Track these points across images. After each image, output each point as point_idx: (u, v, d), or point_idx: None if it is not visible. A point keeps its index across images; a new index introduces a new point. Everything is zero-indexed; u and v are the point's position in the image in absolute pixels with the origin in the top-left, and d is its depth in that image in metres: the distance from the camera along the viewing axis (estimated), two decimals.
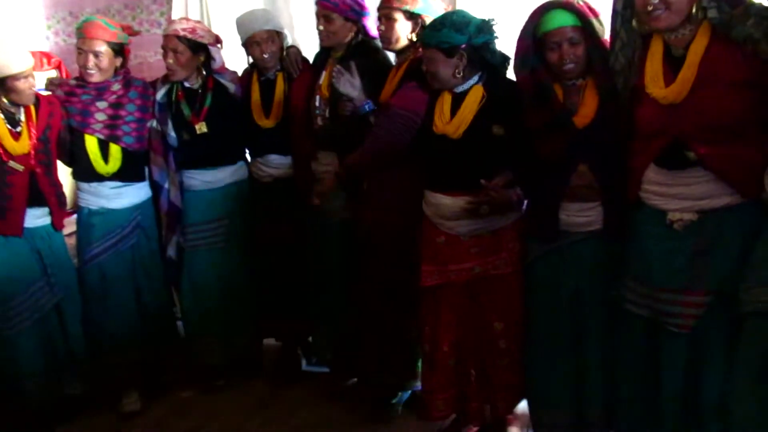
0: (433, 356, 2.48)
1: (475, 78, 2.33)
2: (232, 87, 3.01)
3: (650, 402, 2.08)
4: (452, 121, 2.32)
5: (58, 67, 3.45)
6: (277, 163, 3.00)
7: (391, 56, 2.74)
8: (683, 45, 1.89)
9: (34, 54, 2.85)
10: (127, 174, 2.88)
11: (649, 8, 1.85)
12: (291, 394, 3.04)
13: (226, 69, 3.07)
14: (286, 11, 3.51)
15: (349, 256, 2.79)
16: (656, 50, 1.95)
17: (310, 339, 3.19)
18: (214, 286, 3.03)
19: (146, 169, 2.96)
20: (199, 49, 2.88)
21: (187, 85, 2.95)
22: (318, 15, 2.72)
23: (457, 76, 2.28)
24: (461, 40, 2.23)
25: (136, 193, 2.92)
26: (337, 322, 2.89)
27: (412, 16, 2.50)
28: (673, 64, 1.91)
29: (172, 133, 2.92)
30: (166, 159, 2.94)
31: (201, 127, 2.91)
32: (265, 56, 2.87)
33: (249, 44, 2.89)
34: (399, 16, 2.51)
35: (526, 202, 2.36)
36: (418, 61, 2.46)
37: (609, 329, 2.21)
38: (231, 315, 3.06)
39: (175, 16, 3.78)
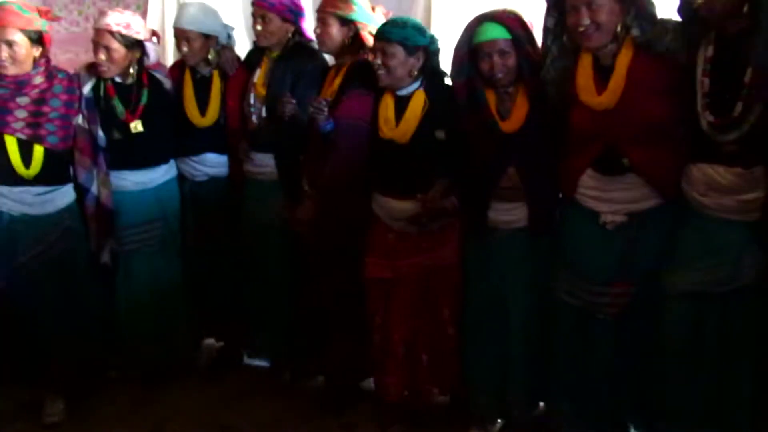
0: (384, 345, 2.54)
1: (417, 83, 2.40)
2: (167, 83, 2.84)
3: (583, 382, 2.26)
4: (399, 126, 2.38)
5: None
6: (213, 162, 2.91)
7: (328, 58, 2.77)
8: (610, 56, 2.04)
9: None
10: (51, 176, 2.61)
11: (581, 29, 1.99)
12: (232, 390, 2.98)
13: (160, 64, 2.92)
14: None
15: (291, 256, 2.79)
16: (586, 62, 2.09)
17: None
18: (151, 288, 2.88)
19: (71, 169, 2.71)
20: (134, 45, 2.69)
21: (118, 80, 2.73)
22: (255, 15, 2.69)
23: (411, 75, 2.36)
24: (423, 41, 2.34)
25: (62, 197, 2.66)
26: (278, 321, 2.87)
27: (346, 22, 2.54)
28: (602, 73, 2.06)
29: (101, 132, 2.70)
30: (95, 159, 2.71)
31: (136, 126, 2.72)
32: (184, 49, 2.77)
33: (175, 34, 2.80)
34: (333, 21, 2.54)
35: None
36: (358, 64, 2.51)
37: (533, 318, 2.37)
38: (168, 317, 2.95)
39: (151, 8, 3.65)
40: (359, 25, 2.54)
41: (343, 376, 2.80)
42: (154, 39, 2.85)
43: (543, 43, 2.19)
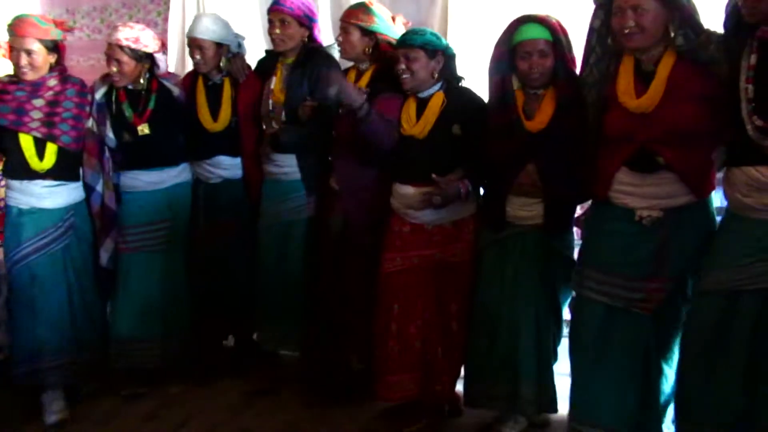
0: (394, 341, 2.53)
1: (438, 86, 2.48)
2: (176, 91, 2.94)
3: (606, 382, 2.22)
4: (418, 123, 2.47)
5: None
6: (226, 164, 2.95)
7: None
8: (653, 62, 2.06)
9: None
10: (62, 172, 2.71)
11: (626, 30, 2.01)
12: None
13: (171, 73, 3.01)
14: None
15: (311, 254, 2.82)
16: (628, 65, 2.09)
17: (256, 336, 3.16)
18: (153, 288, 2.91)
19: (81, 170, 2.81)
20: (143, 58, 2.81)
21: (130, 86, 2.85)
22: (273, 19, 2.76)
23: (433, 77, 2.45)
24: (442, 45, 2.45)
25: (69, 193, 2.75)
26: (296, 316, 2.86)
27: (367, 33, 2.61)
28: (642, 78, 2.07)
29: (111, 134, 2.83)
30: (101, 161, 2.83)
31: (143, 129, 2.83)
32: (197, 57, 2.85)
33: (189, 44, 2.88)
34: (355, 31, 2.62)
35: (481, 193, 2.52)
36: (383, 69, 2.59)
37: (545, 315, 2.39)
38: (169, 318, 2.95)
39: (172, 16, 3.72)
40: (379, 36, 2.62)
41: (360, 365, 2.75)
42: (164, 52, 2.98)
43: (587, 43, 2.19)
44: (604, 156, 2.17)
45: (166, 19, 3.76)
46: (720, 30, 2.01)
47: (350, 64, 2.78)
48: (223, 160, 2.96)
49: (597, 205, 2.27)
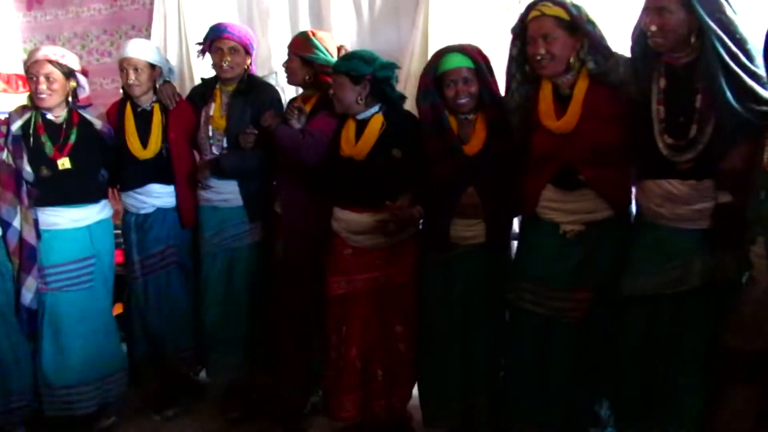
0: (340, 361, 2.58)
1: (376, 108, 2.55)
2: (98, 123, 2.84)
3: (540, 387, 2.36)
4: (357, 145, 2.52)
5: None
6: (158, 193, 2.88)
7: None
8: (568, 86, 2.23)
9: (9, 77, 2.75)
10: None
11: (538, 58, 2.18)
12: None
13: (92, 103, 2.89)
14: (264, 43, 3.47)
15: (258, 280, 2.82)
16: (547, 90, 2.26)
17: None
18: (83, 329, 2.75)
19: None
20: (69, 75, 2.73)
21: (49, 117, 2.74)
22: (222, 47, 2.77)
23: (360, 102, 2.51)
24: (367, 70, 2.48)
25: None
26: (241, 342, 2.85)
27: (306, 62, 2.68)
28: (561, 101, 2.24)
29: (28, 168, 2.68)
30: (18, 194, 2.67)
31: (63, 163, 2.71)
32: (132, 78, 2.81)
33: (122, 65, 2.84)
34: (295, 59, 2.71)
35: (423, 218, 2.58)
36: (326, 96, 2.65)
37: (493, 328, 2.48)
38: (104, 358, 2.79)
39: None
40: (317, 67, 2.69)
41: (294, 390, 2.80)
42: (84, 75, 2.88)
43: (508, 70, 2.35)
44: (531, 174, 2.33)
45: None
46: (627, 53, 2.20)
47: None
48: (155, 188, 2.89)
49: (526, 220, 2.43)
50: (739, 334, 1.88)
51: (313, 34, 2.71)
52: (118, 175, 2.92)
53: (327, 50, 2.69)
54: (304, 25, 3.40)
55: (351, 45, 3.20)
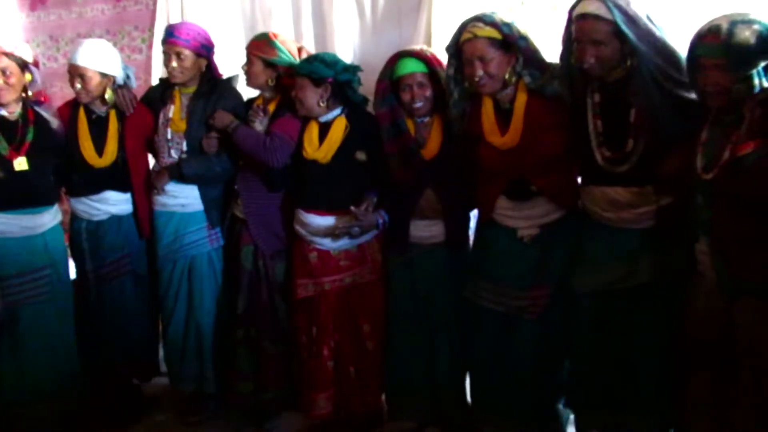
0: (312, 361, 2.62)
1: (338, 110, 2.57)
2: (55, 122, 2.72)
3: (504, 381, 2.44)
4: (321, 147, 2.55)
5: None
6: (114, 200, 2.80)
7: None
8: (509, 100, 2.31)
9: None
10: None
11: (476, 78, 2.24)
12: None
13: (47, 99, 2.78)
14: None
15: (223, 285, 2.81)
16: (488, 106, 2.33)
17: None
18: (40, 343, 2.62)
19: None
20: (24, 67, 2.60)
21: (2, 113, 2.58)
22: (169, 53, 2.69)
23: (321, 104, 2.53)
24: (328, 73, 2.49)
25: None
26: (205, 349, 2.82)
27: (269, 65, 2.65)
28: (503, 115, 2.32)
29: None
30: None
31: (20, 164, 2.56)
32: (78, 86, 2.69)
33: (70, 71, 2.70)
34: (257, 62, 2.66)
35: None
36: (287, 98, 2.65)
37: (457, 323, 2.55)
38: (60, 373, 2.68)
39: (156, 43, 3.54)
40: (280, 69, 2.67)
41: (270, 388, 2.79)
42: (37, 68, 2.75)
43: (446, 88, 2.40)
44: (484, 185, 2.42)
45: (150, 46, 3.72)
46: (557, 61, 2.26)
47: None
48: (111, 195, 2.80)
49: (483, 224, 2.50)
50: (694, 325, 1.97)
51: (275, 36, 2.68)
52: (68, 179, 2.81)
53: (289, 52, 2.66)
54: (307, 27, 3.35)
55: (353, 46, 3.22)
